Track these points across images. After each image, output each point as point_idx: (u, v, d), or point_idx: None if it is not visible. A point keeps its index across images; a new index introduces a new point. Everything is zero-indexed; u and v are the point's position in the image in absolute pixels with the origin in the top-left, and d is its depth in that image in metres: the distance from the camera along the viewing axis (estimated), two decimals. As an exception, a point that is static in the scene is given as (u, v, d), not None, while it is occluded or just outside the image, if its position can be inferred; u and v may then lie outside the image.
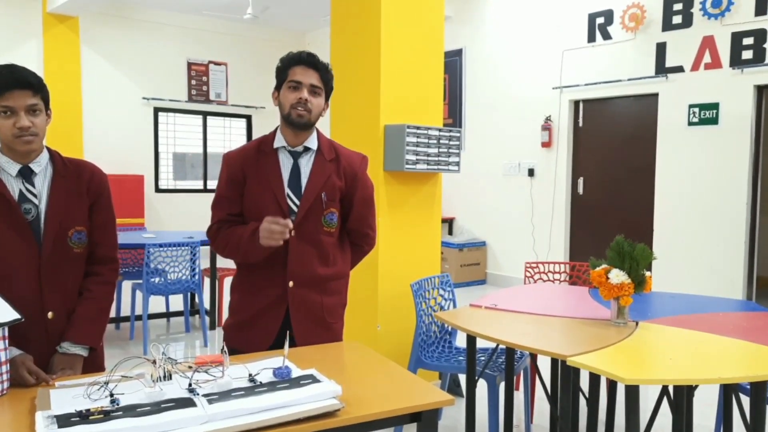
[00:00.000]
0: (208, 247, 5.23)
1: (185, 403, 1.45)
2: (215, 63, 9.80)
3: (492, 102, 7.65)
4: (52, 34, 8.34)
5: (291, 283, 2.07)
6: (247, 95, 10.03)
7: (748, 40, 5.44)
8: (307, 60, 2.04)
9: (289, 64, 2.06)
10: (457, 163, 3.91)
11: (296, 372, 1.66)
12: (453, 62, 8.01)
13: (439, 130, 3.78)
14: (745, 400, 2.69)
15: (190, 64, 9.61)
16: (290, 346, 1.77)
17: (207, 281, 5.43)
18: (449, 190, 7.81)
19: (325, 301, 2.14)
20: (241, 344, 2.08)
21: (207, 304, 5.35)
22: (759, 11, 5.37)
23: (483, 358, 3.10)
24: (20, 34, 8.29)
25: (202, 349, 4.87)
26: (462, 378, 3.77)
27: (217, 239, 2.14)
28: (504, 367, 2.94)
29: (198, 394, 1.50)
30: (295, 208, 2.07)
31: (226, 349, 1.67)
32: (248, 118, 10.18)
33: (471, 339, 2.66)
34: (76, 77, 8.55)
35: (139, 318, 5.12)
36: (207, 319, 5.13)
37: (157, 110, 9.39)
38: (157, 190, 9.44)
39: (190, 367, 1.66)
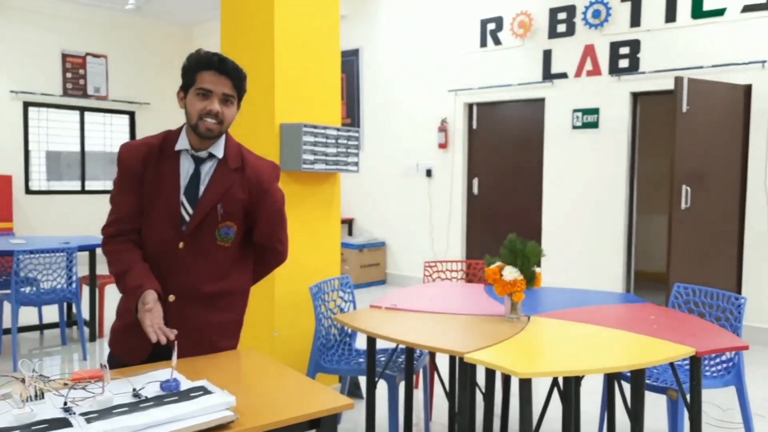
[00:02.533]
0: (86, 253, 4.90)
1: (59, 423, 1.33)
2: (93, 55, 9.19)
3: (390, 103, 7.73)
4: None
5: (171, 297, 1.91)
6: (129, 90, 9.50)
7: (625, 50, 5.83)
8: (219, 66, 1.86)
9: (197, 67, 1.87)
10: (356, 163, 3.90)
11: (186, 384, 1.57)
12: (350, 62, 8.01)
13: (338, 129, 3.75)
14: (627, 387, 2.86)
15: (65, 56, 8.95)
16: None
17: (86, 290, 5.07)
18: (348, 190, 7.81)
19: (213, 319, 1.97)
20: (123, 351, 1.94)
21: (86, 315, 4.99)
22: (634, 23, 5.76)
23: (383, 359, 3.10)
24: None
25: (81, 364, 4.54)
26: (362, 380, 3.75)
27: (106, 249, 1.96)
28: (404, 367, 2.95)
29: (74, 414, 1.38)
30: (187, 218, 1.91)
31: (106, 363, 1.55)
32: (131, 114, 9.64)
33: (371, 340, 2.65)
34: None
35: (7, 332, 4.70)
36: (86, 330, 4.80)
37: (27, 105, 8.66)
38: (28, 191, 8.69)
39: (65, 384, 1.54)
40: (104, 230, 1.97)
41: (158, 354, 1.89)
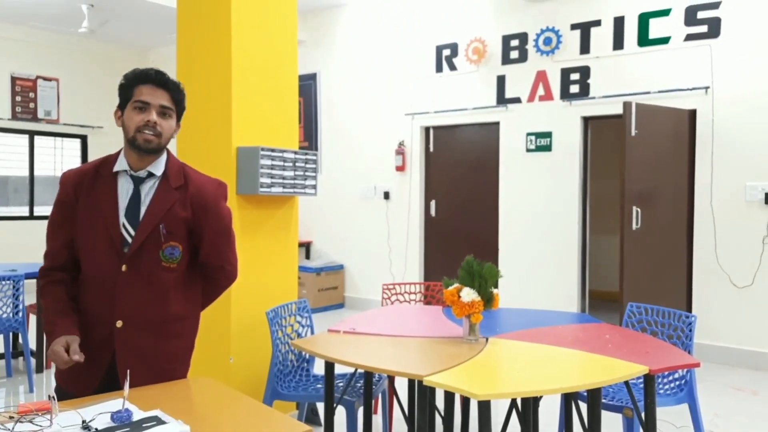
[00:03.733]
0: (34, 281, 4.73)
1: (1, 461, 1.26)
2: (44, 78, 8.97)
3: (347, 126, 7.76)
4: None
5: (119, 323, 1.85)
6: (82, 114, 9.29)
7: (575, 76, 6.01)
8: (156, 78, 1.85)
9: (134, 81, 1.86)
10: (314, 186, 3.89)
11: (138, 414, 1.52)
12: (307, 86, 8.03)
13: (295, 152, 3.74)
14: (584, 407, 2.90)
15: (14, 79, 8.71)
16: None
17: (33, 319, 4.87)
18: (306, 213, 7.77)
19: (163, 346, 1.91)
20: (70, 383, 1.87)
21: (33, 345, 4.79)
22: (583, 50, 5.96)
23: (342, 384, 3.07)
24: None
25: (27, 396, 4.34)
26: (320, 406, 3.70)
27: (38, 285, 1.95)
28: (363, 392, 2.93)
29: (18, 450, 1.32)
30: (129, 240, 1.86)
31: (54, 395, 1.49)
32: (83, 138, 9.42)
33: (329, 365, 2.62)
34: None
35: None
36: (33, 361, 4.59)
37: (-27, 128, 8.40)
38: (-24, 218, 8.41)
39: (11, 418, 1.48)
40: (41, 271, 1.95)
41: (108, 384, 1.83)
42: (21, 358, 5.12)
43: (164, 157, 1.93)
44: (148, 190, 1.90)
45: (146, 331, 1.88)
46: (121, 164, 1.89)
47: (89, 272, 1.88)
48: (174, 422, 1.46)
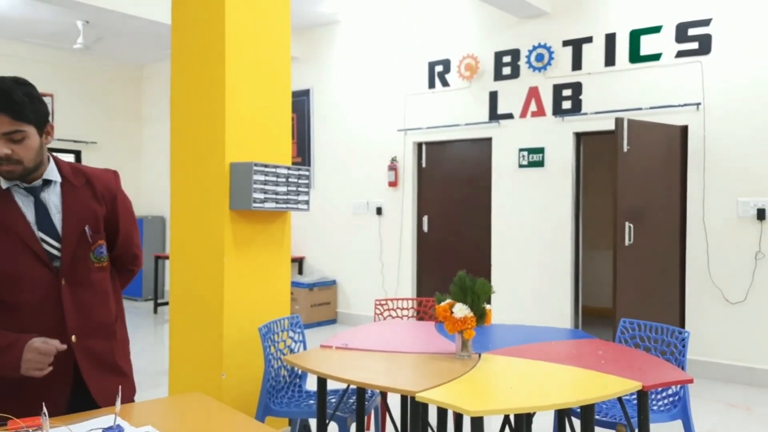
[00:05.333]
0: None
1: (-12, 479, 1.25)
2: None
3: (340, 142, 7.78)
4: None
5: (74, 338, 1.78)
6: (76, 129, 9.30)
7: (567, 92, 6.07)
8: None
9: None
10: (307, 202, 3.89)
11: (130, 430, 1.50)
12: (301, 102, 8.07)
13: (288, 168, 3.74)
14: (577, 423, 2.89)
15: (10, 94, 8.75)
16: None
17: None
18: (299, 228, 7.76)
19: (114, 346, 1.91)
20: (37, 405, 1.67)
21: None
22: (575, 66, 6.02)
23: (334, 400, 3.05)
24: None
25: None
26: (313, 422, 3.67)
27: None
28: (355, 408, 2.91)
29: (6, 468, 1.30)
30: (56, 252, 1.77)
31: (45, 410, 1.47)
32: (77, 153, 9.43)
33: (321, 381, 2.61)
34: None
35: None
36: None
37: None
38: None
39: (-1, 435, 1.45)
40: None
41: (77, 399, 1.80)
42: None
43: (51, 162, 1.84)
44: (52, 197, 1.81)
45: (97, 337, 1.86)
46: (5, 179, 1.76)
47: (21, 299, 1.73)
48: (164, 439, 1.45)
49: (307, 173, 3.89)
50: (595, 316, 7.52)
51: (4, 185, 1.76)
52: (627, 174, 5.10)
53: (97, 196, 1.88)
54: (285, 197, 3.72)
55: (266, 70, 3.72)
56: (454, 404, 1.99)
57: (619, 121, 5.06)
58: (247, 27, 3.61)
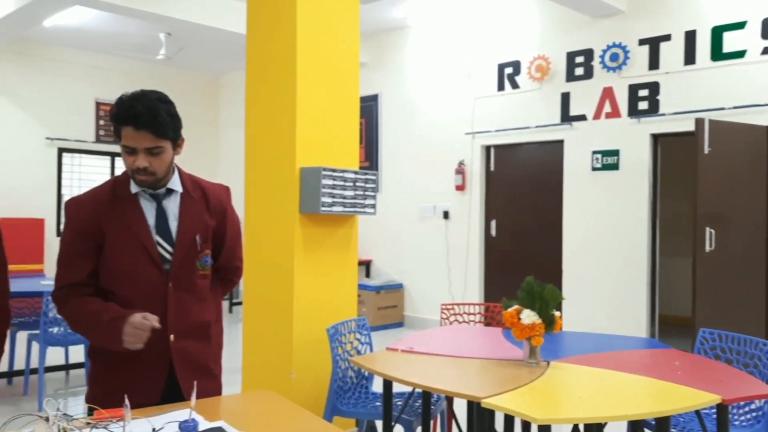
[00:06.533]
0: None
1: (77, 465, 1.33)
2: (125, 103, 9.54)
3: (407, 146, 7.81)
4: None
5: (172, 337, 1.91)
6: (158, 136, 9.79)
7: (644, 92, 5.86)
8: (136, 122, 1.78)
9: (116, 121, 1.82)
10: (373, 206, 3.93)
11: (204, 425, 1.57)
12: (369, 107, 8.15)
13: (355, 172, 3.80)
14: (651, 435, 2.79)
15: (98, 104, 9.27)
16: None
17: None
18: (366, 232, 7.83)
19: (207, 349, 2.02)
20: (134, 395, 1.82)
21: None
22: (652, 66, 5.81)
23: (400, 403, 3.06)
24: None
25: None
26: (379, 424, 3.70)
27: (65, 308, 1.89)
28: (421, 411, 2.91)
29: (93, 454, 1.39)
30: (168, 256, 1.91)
31: (127, 402, 1.56)
32: (160, 158, 9.91)
33: (387, 384, 2.62)
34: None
35: (34, 371, 4.73)
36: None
37: (61, 150, 8.96)
38: (59, 234, 8.91)
39: (88, 424, 1.56)
40: (54, 299, 1.90)
41: (169, 393, 1.91)
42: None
43: (176, 172, 1.99)
44: (172, 205, 1.96)
45: (195, 338, 1.98)
46: (137, 186, 1.91)
47: (131, 293, 1.88)
48: (236, 434, 1.50)
49: (374, 177, 3.93)
50: (672, 326, 7.20)
51: (133, 190, 1.91)
52: (708, 177, 4.87)
53: (210, 209, 2.02)
54: (352, 201, 3.77)
55: (335, 77, 3.79)
56: (521, 411, 1.96)
57: (699, 122, 4.84)
58: (317, 37, 3.70)
